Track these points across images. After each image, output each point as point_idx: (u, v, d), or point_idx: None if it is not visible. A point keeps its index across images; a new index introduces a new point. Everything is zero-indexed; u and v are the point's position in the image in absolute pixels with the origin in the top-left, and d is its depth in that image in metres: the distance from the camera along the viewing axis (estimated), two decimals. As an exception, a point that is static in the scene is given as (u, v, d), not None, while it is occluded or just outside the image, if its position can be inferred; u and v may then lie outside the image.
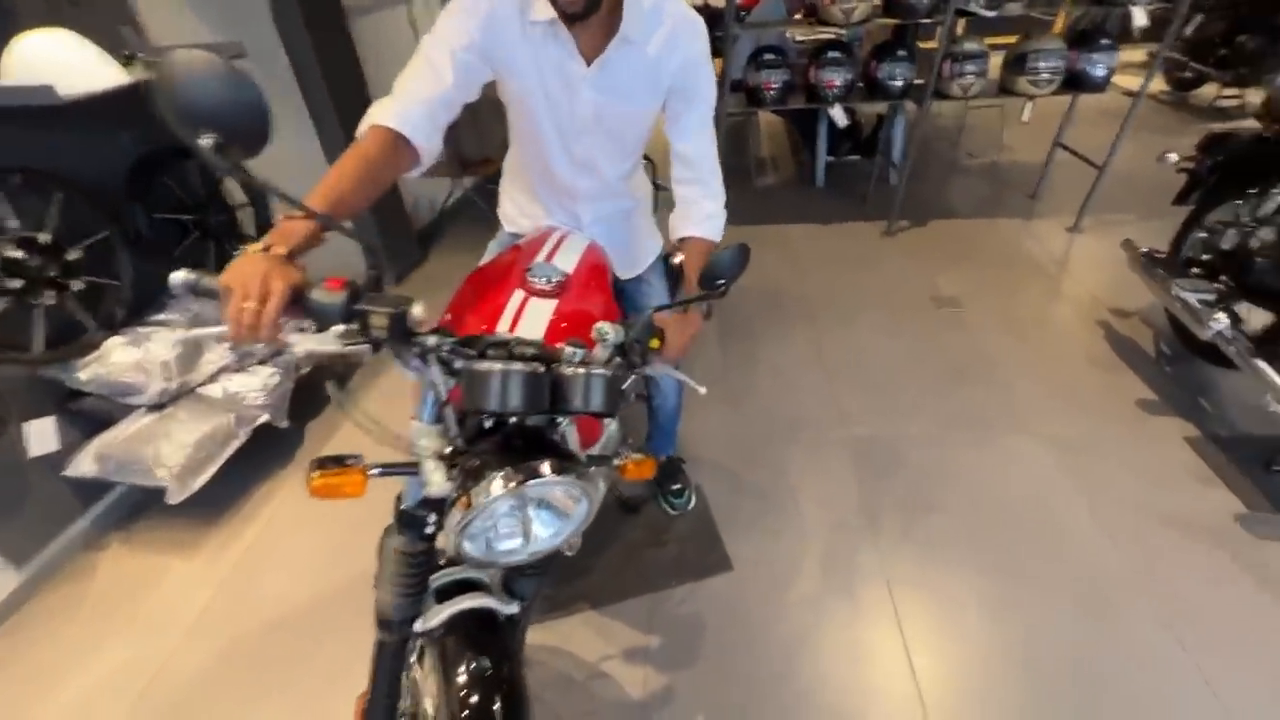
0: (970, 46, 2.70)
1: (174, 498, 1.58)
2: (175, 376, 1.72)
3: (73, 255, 1.60)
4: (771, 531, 1.69)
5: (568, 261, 1.13)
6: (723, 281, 0.92)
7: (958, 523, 1.68)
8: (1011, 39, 2.82)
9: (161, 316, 1.81)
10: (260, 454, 1.89)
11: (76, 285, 1.62)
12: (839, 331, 2.45)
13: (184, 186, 1.95)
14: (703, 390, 0.94)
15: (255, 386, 1.85)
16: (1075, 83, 2.75)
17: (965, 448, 1.90)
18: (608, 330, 0.80)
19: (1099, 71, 2.69)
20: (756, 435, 1.99)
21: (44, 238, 1.54)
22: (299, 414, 1.94)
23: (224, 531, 1.75)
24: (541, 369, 0.70)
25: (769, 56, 2.83)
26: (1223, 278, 1.88)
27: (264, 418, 1.80)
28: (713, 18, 6.07)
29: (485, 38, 1.00)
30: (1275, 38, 4.01)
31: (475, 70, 1.02)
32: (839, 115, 2.86)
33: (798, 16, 3.09)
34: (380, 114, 0.95)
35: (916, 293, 2.68)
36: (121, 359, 1.67)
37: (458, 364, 0.73)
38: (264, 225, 2.22)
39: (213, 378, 1.82)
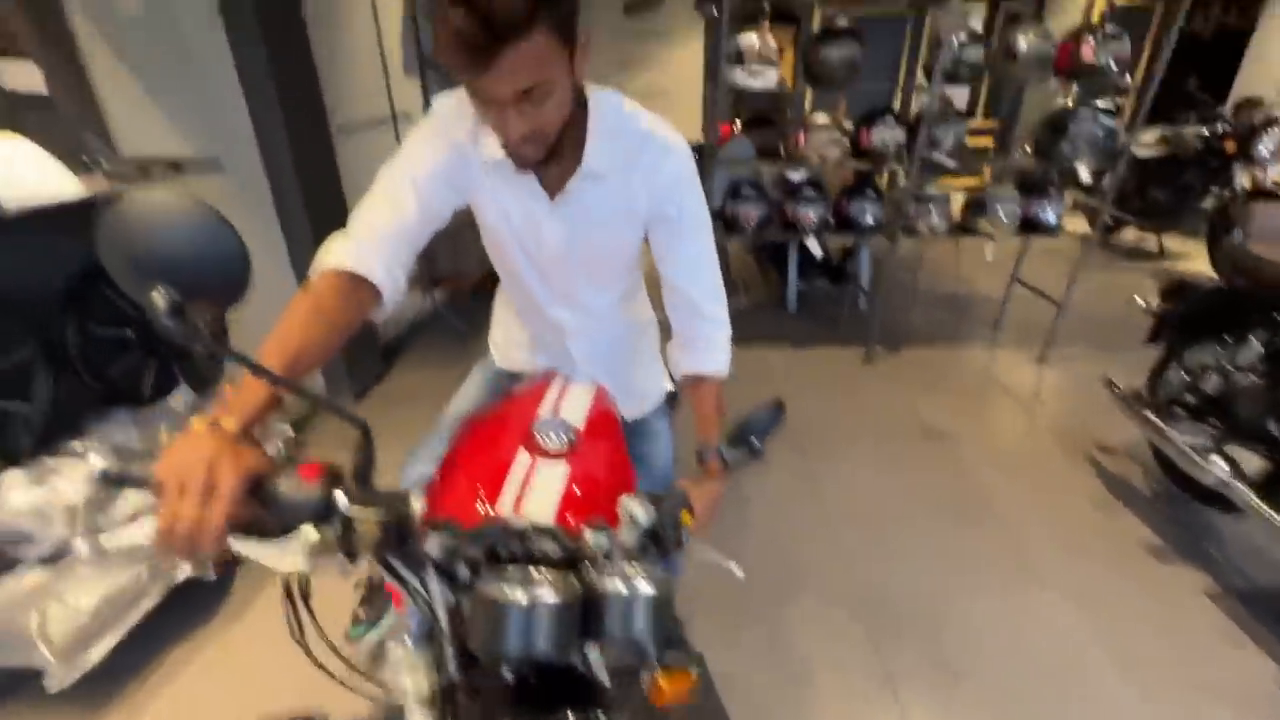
0: (933, 191, 2.88)
1: (56, 684, 1.26)
2: (80, 523, 1.44)
3: (-21, 378, 1.38)
4: (786, 709, 1.46)
5: (577, 414, 0.99)
6: (758, 441, 0.82)
7: (985, 690, 1.50)
8: (956, 180, 3.01)
9: (77, 445, 1.56)
10: (172, 607, 1.58)
11: (-24, 412, 1.39)
12: (831, 465, 2.35)
13: (127, 295, 1.77)
14: (741, 574, 0.79)
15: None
16: (1030, 226, 2.93)
17: (979, 599, 1.75)
18: (637, 510, 0.65)
19: (1051, 217, 2.88)
20: (758, 587, 1.80)
21: (-53, 358, 1.33)
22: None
23: (114, 716, 1.40)
24: (576, 588, 0.54)
25: (747, 190, 2.94)
26: (1212, 420, 1.89)
27: (186, 570, 1.52)
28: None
29: (449, 165, 0.90)
30: (1182, 194, 4.50)
31: (442, 198, 0.91)
32: (815, 247, 2.95)
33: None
34: (333, 255, 0.83)
35: (902, 422, 2.64)
36: (17, 501, 1.39)
37: (460, 572, 0.56)
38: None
39: (129, 520, 1.55)
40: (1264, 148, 3.97)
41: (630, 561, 0.60)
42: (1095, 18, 6.57)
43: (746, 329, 3.75)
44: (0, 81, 1.47)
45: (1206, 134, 4.36)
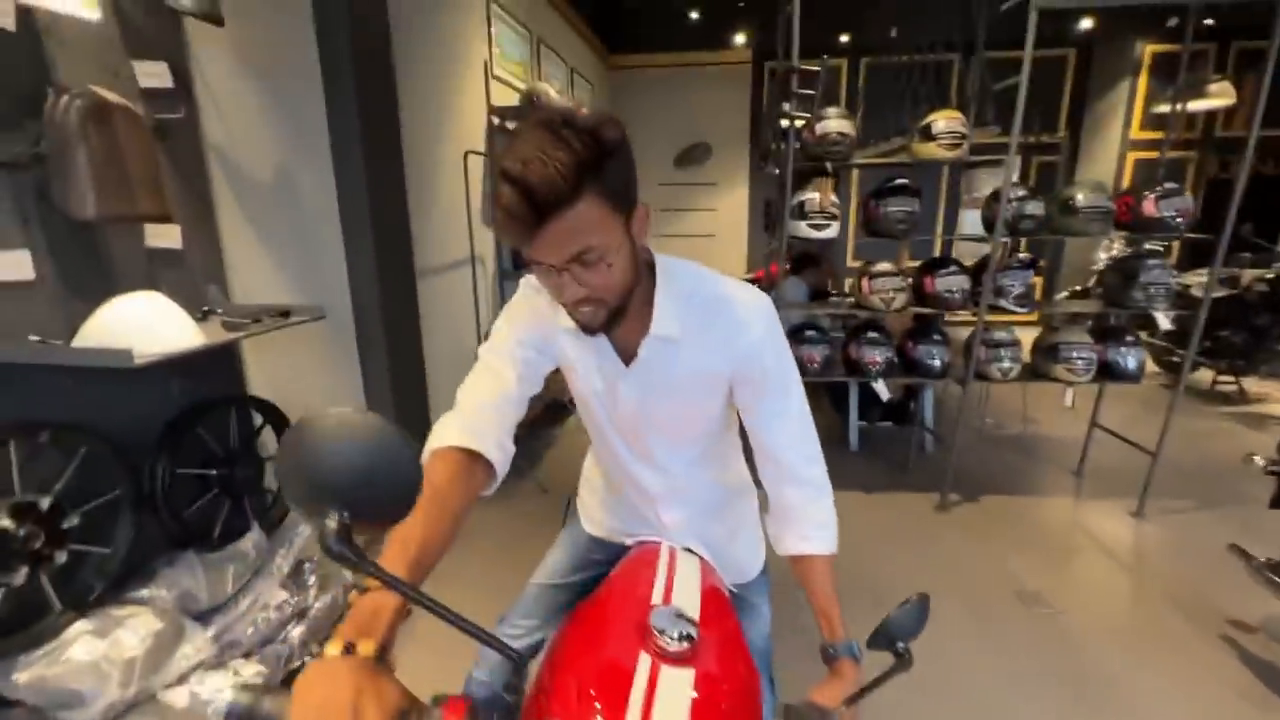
0: (1002, 335, 2.85)
1: None
2: (135, 681, 1.36)
3: (70, 522, 1.38)
4: None
5: (690, 601, 0.89)
6: (904, 645, 0.76)
7: None
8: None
9: (145, 592, 1.52)
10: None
11: (60, 557, 1.36)
12: (923, 634, 2.11)
13: (218, 437, 1.81)
14: None
15: (230, 691, 1.47)
16: (1107, 371, 2.84)
17: (1135, 825, 1.46)
18: None
19: (1131, 364, 2.79)
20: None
21: (45, 502, 1.33)
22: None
23: None
24: None
25: (810, 333, 2.96)
26: (1379, 604, 1.65)
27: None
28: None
29: (537, 333, 0.94)
30: (1257, 335, 4.36)
31: (537, 365, 0.95)
32: (883, 389, 2.90)
33: (835, 296, 3.35)
34: (444, 434, 0.84)
35: (995, 584, 2.40)
36: (79, 655, 1.33)
37: None
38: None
39: (182, 678, 1.45)
40: (1339, 293, 3.88)
41: None
42: (1127, 172, 6.85)
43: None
44: (145, 242, 1.60)
45: (1272, 276, 4.32)
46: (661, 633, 0.78)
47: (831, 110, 2.71)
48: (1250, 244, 4.92)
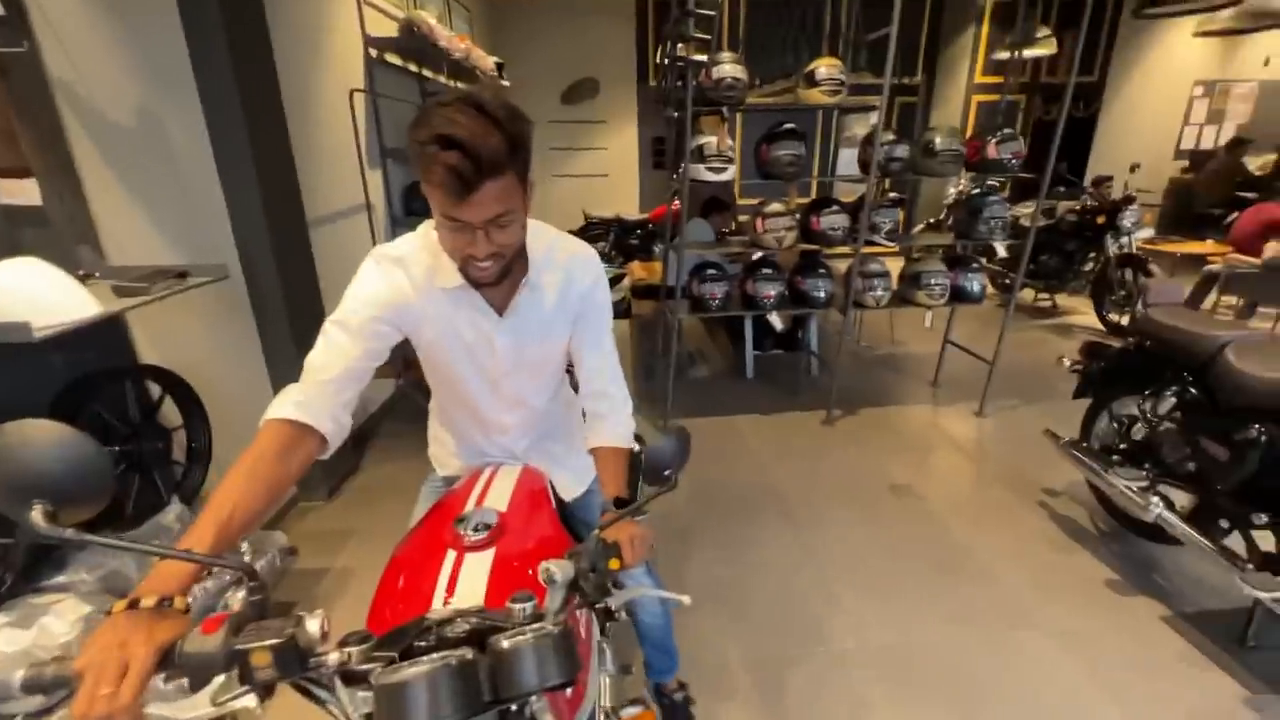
0: (875, 266, 3.20)
1: None
2: (78, 663, 1.31)
3: (-32, 513, 1.26)
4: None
5: (500, 499, 1.04)
6: (669, 471, 0.84)
7: (1006, 741, 1.59)
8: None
9: (63, 578, 1.43)
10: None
11: (-41, 551, 1.26)
12: (819, 528, 2.47)
13: (117, 412, 1.68)
14: (686, 600, 0.84)
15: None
16: (958, 295, 3.30)
17: (980, 652, 1.88)
18: (554, 569, 0.68)
19: (976, 287, 3.27)
20: (771, 653, 1.85)
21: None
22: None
23: None
24: (471, 654, 0.57)
25: (711, 271, 3.16)
26: (1143, 462, 2.17)
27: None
28: (634, 227, 6.58)
29: (389, 306, 1.01)
30: (1067, 259, 5.19)
31: (383, 336, 1.02)
32: (776, 320, 3.18)
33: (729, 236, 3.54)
34: (280, 406, 0.91)
35: (873, 482, 2.82)
36: (2, 647, 1.26)
37: (375, 677, 0.57)
38: (196, 449, 1.93)
39: (124, 656, 1.41)
40: (1127, 220, 4.70)
41: (551, 615, 0.63)
42: (971, 113, 7.53)
43: (712, 398, 3.94)
44: (-3, 198, 1.42)
45: (1078, 208, 5.11)
46: (464, 529, 0.92)
47: (725, 55, 2.80)
48: (1064, 180, 5.74)
